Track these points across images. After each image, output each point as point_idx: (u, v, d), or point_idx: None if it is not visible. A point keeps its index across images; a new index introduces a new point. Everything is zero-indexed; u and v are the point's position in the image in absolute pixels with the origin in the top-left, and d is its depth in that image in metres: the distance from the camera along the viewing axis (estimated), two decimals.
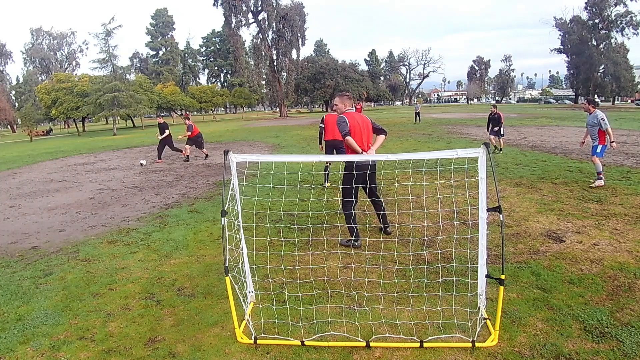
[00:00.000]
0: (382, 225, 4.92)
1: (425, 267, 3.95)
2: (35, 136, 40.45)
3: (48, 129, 49.76)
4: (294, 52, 54.16)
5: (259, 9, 50.70)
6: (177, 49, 77.06)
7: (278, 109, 62.17)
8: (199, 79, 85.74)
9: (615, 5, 53.80)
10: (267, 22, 51.42)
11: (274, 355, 2.75)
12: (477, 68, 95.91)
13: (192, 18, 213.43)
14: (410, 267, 3.89)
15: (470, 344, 2.71)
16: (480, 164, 2.87)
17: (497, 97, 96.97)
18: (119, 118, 43.57)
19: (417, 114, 27.91)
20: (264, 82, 63.37)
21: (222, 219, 2.88)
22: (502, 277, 2.74)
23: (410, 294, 3.44)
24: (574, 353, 2.60)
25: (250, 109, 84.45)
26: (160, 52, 75.18)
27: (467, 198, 6.00)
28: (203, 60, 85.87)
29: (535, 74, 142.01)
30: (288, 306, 3.32)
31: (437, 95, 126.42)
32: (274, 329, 3.03)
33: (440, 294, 3.40)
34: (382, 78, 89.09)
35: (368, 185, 4.49)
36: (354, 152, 4.44)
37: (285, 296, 3.54)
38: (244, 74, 57.08)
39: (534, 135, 16.27)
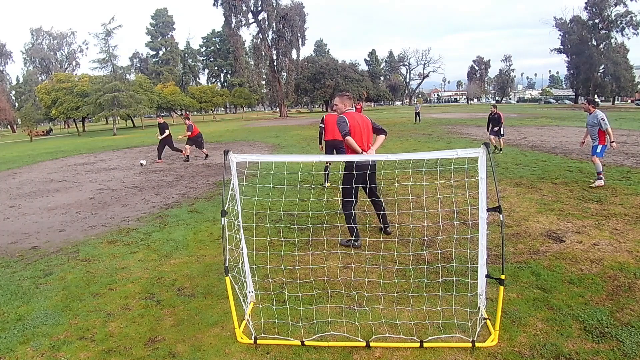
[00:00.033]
0: (382, 225, 4.92)
1: (425, 267, 3.95)
2: (35, 136, 40.45)
3: (48, 129, 49.76)
4: (294, 52, 54.22)
5: (259, 9, 50.70)
6: (177, 49, 77.06)
7: (278, 109, 62.17)
8: (199, 79, 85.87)
9: (615, 5, 53.80)
10: (267, 22, 51.43)
11: (274, 355, 2.75)
12: (477, 68, 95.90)
13: (192, 18, 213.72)
14: (410, 267, 3.89)
15: (470, 344, 2.71)
16: (480, 164, 2.87)
17: (497, 97, 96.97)
18: (119, 118, 43.58)
19: (417, 114, 27.89)
20: (264, 82, 63.37)
21: (222, 219, 2.88)
22: (502, 277, 2.74)
23: (410, 294, 3.44)
24: (574, 353, 2.60)
25: (250, 109, 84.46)
26: (160, 52, 75.19)
27: (467, 198, 6.00)
28: (203, 60, 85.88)
29: (535, 74, 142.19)
30: (288, 306, 3.32)
31: (437, 95, 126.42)
32: (274, 329, 3.03)
33: (440, 294, 3.40)
34: (382, 78, 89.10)
35: (368, 185, 4.49)
36: (354, 152, 4.44)
37: (285, 296, 3.54)
38: (244, 74, 57.08)
39: (534, 135, 16.27)
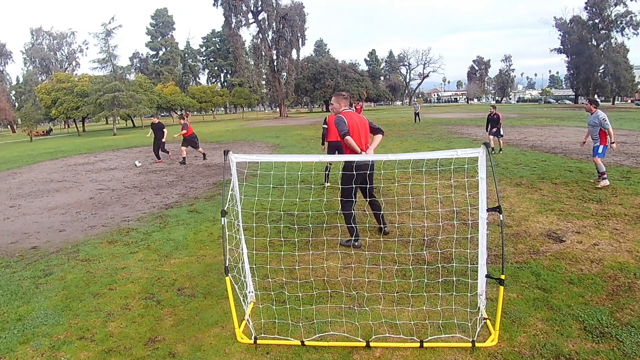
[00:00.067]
0: (381, 226, 4.91)
1: (425, 267, 3.95)
2: (35, 136, 40.45)
3: (48, 129, 49.75)
4: (294, 52, 54.21)
5: (259, 9, 50.70)
6: (177, 49, 77.04)
7: (278, 109, 62.16)
8: (199, 79, 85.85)
9: (615, 5, 53.79)
10: (267, 22, 51.43)
11: (274, 355, 2.75)
12: (477, 68, 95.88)
13: (192, 18, 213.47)
14: (410, 267, 3.89)
15: (470, 344, 2.71)
16: (480, 164, 2.87)
17: (497, 97, 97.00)
18: (119, 118, 43.59)
19: (417, 114, 27.85)
20: (264, 82, 63.36)
21: (222, 219, 2.88)
22: (502, 277, 2.74)
23: (410, 294, 3.44)
24: (574, 353, 2.60)
25: (250, 109, 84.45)
26: (160, 52, 75.17)
27: (467, 198, 6.00)
28: (203, 60, 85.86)
29: (535, 74, 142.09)
30: (288, 306, 3.32)
31: (437, 95, 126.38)
32: (274, 329, 3.03)
33: (440, 294, 3.40)
34: (382, 78, 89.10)
35: (368, 185, 4.48)
36: (353, 151, 4.43)
37: (285, 296, 3.54)
38: (244, 74, 57.07)
39: (534, 135, 16.28)
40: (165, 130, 13.55)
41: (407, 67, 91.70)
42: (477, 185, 2.95)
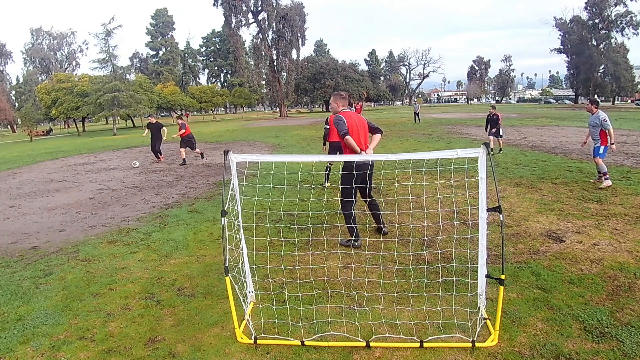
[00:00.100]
0: (380, 226, 4.88)
1: (425, 267, 3.95)
2: (35, 136, 40.44)
3: (48, 129, 49.74)
4: (294, 52, 54.19)
5: (259, 9, 50.69)
6: (177, 49, 77.01)
7: (278, 109, 62.15)
8: (199, 79, 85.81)
9: (615, 5, 53.78)
10: (267, 22, 51.41)
11: (274, 355, 2.75)
12: (477, 68, 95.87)
13: (192, 18, 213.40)
14: (410, 267, 3.89)
15: (470, 344, 2.71)
16: (480, 164, 2.87)
17: (497, 97, 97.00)
18: (119, 118, 43.59)
19: (417, 114, 27.81)
20: (264, 82, 63.35)
21: (222, 219, 2.88)
22: (502, 277, 2.74)
23: (410, 294, 3.44)
24: (574, 353, 2.60)
25: (250, 109, 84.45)
26: (160, 52, 75.16)
27: (467, 198, 6.00)
28: (203, 60, 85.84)
29: (535, 74, 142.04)
30: (288, 306, 3.32)
31: (437, 95, 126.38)
32: (274, 329, 3.03)
33: (440, 294, 3.40)
34: (382, 78, 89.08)
35: (368, 185, 4.48)
36: (353, 151, 4.43)
37: (285, 296, 3.54)
38: (244, 74, 57.07)
39: (534, 135, 16.27)
40: (164, 129, 13.54)
41: (407, 67, 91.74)
42: (477, 185, 2.95)
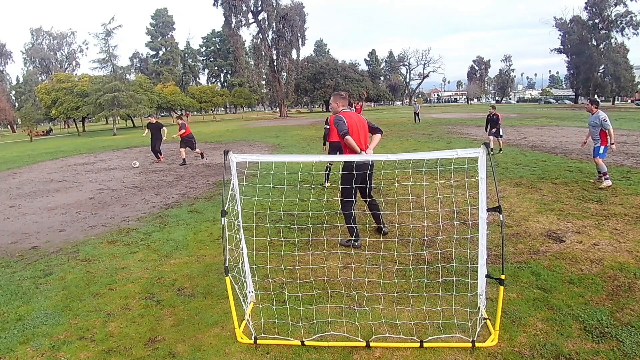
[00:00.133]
0: (380, 226, 4.88)
1: (425, 267, 3.95)
2: (35, 136, 40.45)
3: (48, 129, 49.75)
4: (294, 52, 54.19)
5: (259, 9, 50.68)
6: (177, 49, 77.01)
7: (278, 109, 62.15)
8: (199, 79, 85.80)
9: (615, 5, 53.77)
10: (267, 22, 51.41)
11: (274, 355, 2.75)
12: (477, 68, 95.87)
13: (192, 18, 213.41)
14: (410, 267, 3.89)
15: (470, 344, 2.71)
16: (480, 164, 2.87)
17: (497, 97, 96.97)
18: (119, 118, 43.59)
19: (416, 114, 27.80)
20: (264, 82, 63.36)
21: (222, 219, 2.88)
22: (502, 277, 2.74)
23: (410, 294, 3.44)
24: (574, 353, 2.60)
25: (250, 109, 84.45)
26: (160, 52, 75.15)
27: (467, 198, 6.00)
28: (203, 60, 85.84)
29: (535, 74, 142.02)
30: (288, 306, 3.32)
31: (437, 95, 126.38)
32: (274, 329, 3.03)
33: (440, 294, 3.40)
34: (382, 78, 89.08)
35: (367, 186, 4.48)
36: (353, 151, 4.43)
37: (285, 296, 3.54)
38: (244, 74, 57.07)
39: (534, 135, 16.28)
40: (164, 129, 13.53)
41: (407, 67, 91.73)
42: (477, 185, 2.95)
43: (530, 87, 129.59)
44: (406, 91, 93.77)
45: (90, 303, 3.63)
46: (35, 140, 35.71)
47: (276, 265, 4.10)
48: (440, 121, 28.05)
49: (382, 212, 4.94)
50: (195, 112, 63.95)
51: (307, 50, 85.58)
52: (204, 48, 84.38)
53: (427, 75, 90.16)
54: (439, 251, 4.24)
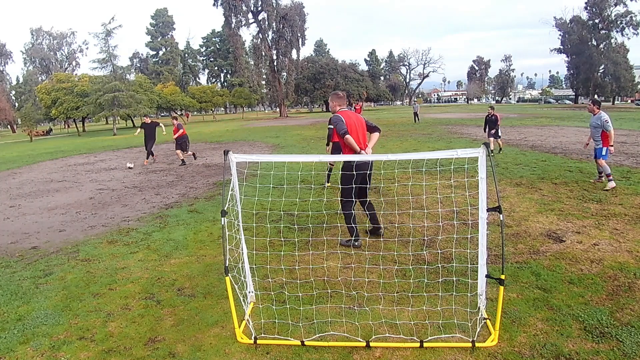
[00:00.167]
0: (379, 226, 4.86)
1: (425, 267, 3.95)
2: (35, 136, 40.45)
3: (48, 129, 49.73)
4: (294, 52, 54.18)
5: (259, 9, 50.68)
6: (177, 49, 77.00)
7: (278, 109, 62.14)
8: (199, 79, 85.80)
9: (615, 5, 53.78)
10: (267, 22, 51.40)
11: (274, 355, 2.75)
12: (477, 68, 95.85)
13: (192, 18, 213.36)
14: (410, 267, 3.89)
15: (470, 344, 2.71)
16: (480, 164, 2.88)
17: (497, 97, 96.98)
18: (119, 118, 43.59)
19: (416, 114, 27.80)
20: (264, 82, 63.37)
21: (222, 219, 2.88)
22: (502, 277, 2.74)
23: (410, 294, 3.44)
24: (574, 353, 2.60)
25: (250, 109, 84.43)
26: (160, 52, 75.15)
27: (467, 198, 6.00)
28: (203, 60, 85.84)
29: (535, 74, 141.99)
30: (288, 306, 3.32)
31: (437, 95, 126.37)
32: (274, 329, 3.03)
33: (440, 294, 3.40)
34: (382, 78, 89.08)
35: (367, 185, 4.48)
36: (353, 150, 4.43)
37: (285, 296, 3.54)
38: (244, 74, 57.07)
39: (534, 135, 16.27)
40: (162, 126, 13.49)
41: (407, 67, 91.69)
42: (477, 185, 2.95)
43: (530, 87, 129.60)
44: (406, 91, 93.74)
45: (90, 303, 3.63)
46: (35, 140, 35.71)
47: (276, 265, 4.10)
48: (440, 121, 28.04)
49: (380, 212, 4.93)
50: (195, 112, 63.97)
51: (307, 50, 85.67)
52: (204, 48, 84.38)
53: (427, 75, 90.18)
54: (439, 251, 4.24)
